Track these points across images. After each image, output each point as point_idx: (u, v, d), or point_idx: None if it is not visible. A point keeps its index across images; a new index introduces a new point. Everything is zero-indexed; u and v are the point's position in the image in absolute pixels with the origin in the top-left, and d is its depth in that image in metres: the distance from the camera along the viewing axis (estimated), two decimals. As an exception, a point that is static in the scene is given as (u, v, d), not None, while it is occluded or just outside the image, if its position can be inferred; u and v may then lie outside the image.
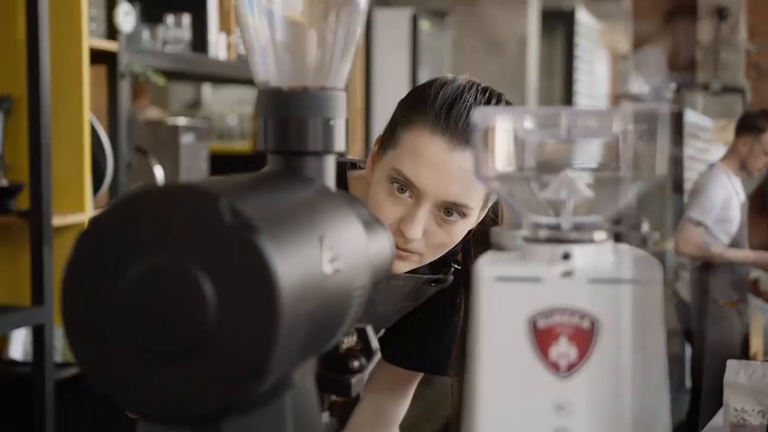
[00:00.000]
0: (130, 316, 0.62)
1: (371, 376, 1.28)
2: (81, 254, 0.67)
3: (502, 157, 0.74)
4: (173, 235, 0.63)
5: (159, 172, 3.04)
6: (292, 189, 0.78)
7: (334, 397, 0.82)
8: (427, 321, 1.48)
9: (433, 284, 1.42)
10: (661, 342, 0.69)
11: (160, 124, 3.28)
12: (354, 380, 0.80)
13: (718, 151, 8.61)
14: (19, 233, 2.53)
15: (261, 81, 0.85)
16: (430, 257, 1.29)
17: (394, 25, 5.12)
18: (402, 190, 1.25)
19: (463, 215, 1.25)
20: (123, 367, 0.63)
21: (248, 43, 0.85)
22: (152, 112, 4.39)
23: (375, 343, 0.83)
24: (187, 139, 3.18)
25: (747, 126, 4.42)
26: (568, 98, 7.71)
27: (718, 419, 2.05)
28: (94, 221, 0.65)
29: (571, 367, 0.67)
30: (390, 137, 1.28)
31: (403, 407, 1.59)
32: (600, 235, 0.71)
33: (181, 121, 3.33)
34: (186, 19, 3.12)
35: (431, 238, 1.26)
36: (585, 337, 0.67)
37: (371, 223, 0.87)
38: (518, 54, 5.63)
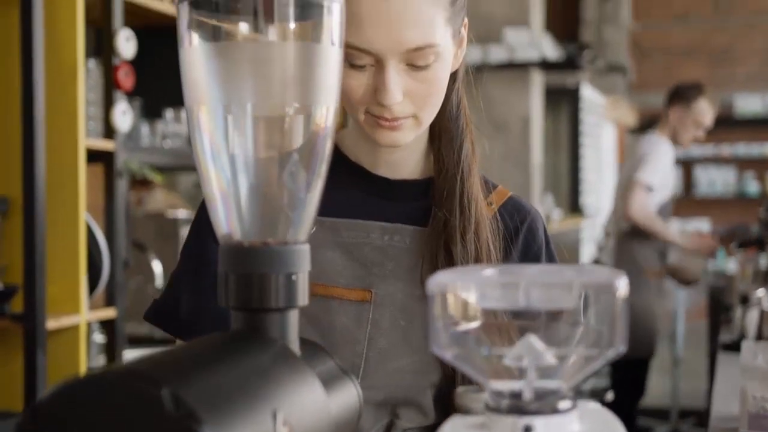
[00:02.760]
0: None
1: None
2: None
3: (459, 324, 0.72)
4: (114, 424, 0.61)
5: (158, 268, 3.03)
6: (248, 357, 0.75)
7: None
8: None
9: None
10: None
11: (160, 217, 3.28)
12: None
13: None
14: (13, 336, 2.51)
15: (223, 235, 0.84)
16: (428, 115, 1.17)
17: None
18: (362, 65, 1.12)
19: (434, 56, 1.13)
20: None
21: (209, 196, 0.84)
22: (159, 196, 4.40)
23: None
24: (187, 232, 3.17)
25: (678, 97, 4.50)
26: (574, 173, 7.72)
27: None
28: (33, 409, 0.63)
29: None
30: None
31: None
32: (564, 404, 0.69)
33: (182, 213, 3.33)
34: (185, 113, 3.14)
35: (415, 95, 1.14)
36: None
37: (336, 376, 0.85)
38: (522, 134, 5.64)
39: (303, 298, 0.82)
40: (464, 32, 1.22)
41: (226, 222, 0.83)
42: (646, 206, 4.29)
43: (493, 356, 0.72)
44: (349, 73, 1.13)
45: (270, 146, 0.82)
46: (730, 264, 7.83)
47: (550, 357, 0.70)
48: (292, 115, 0.81)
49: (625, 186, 4.40)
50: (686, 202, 10.32)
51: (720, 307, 4.63)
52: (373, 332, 1.19)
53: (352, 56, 1.11)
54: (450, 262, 1.18)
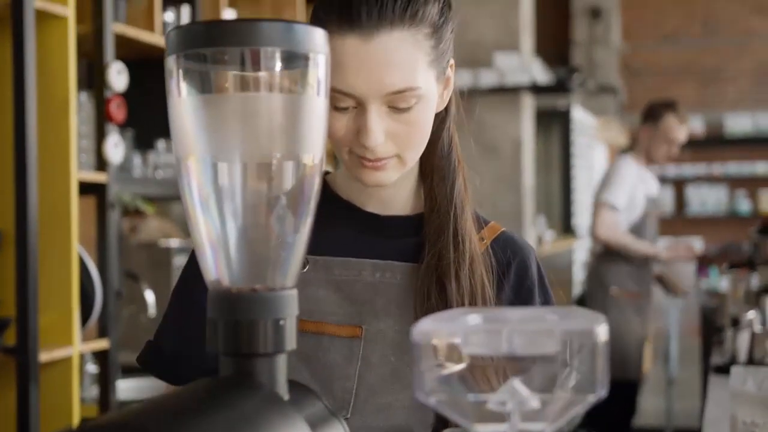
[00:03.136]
0: None
1: None
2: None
3: (444, 370, 0.73)
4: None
5: (150, 297, 3.04)
6: (236, 404, 0.77)
7: None
8: None
9: None
10: None
11: (152, 247, 3.29)
12: None
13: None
14: (6, 370, 2.51)
15: (211, 281, 0.85)
16: (411, 154, 1.18)
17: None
18: (345, 107, 1.14)
19: (416, 99, 1.14)
20: None
21: (197, 243, 0.85)
22: (153, 223, 4.40)
23: None
24: (180, 261, 3.19)
25: (647, 115, 4.55)
26: (566, 194, 7.75)
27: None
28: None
29: None
30: None
31: None
32: (549, 449, 0.70)
33: (174, 242, 3.34)
34: (177, 143, 3.15)
35: (397, 136, 1.15)
36: None
37: (324, 418, 0.86)
38: (514, 157, 5.67)
39: (291, 342, 0.84)
40: (450, 73, 1.23)
41: (215, 268, 0.84)
42: (612, 225, 4.32)
43: (477, 401, 0.73)
44: (332, 114, 1.15)
45: (257, 194, 0.83)
46: (723, 283, 7.86)
47: (534, 401, 0.71)
48: (280, 164, 0.83)
49: (593, 207, 4.47)
50: (678, 221, 10.36)
51: (712, 326, 4.64)
52: (363, 368, 1.21)
53: (335, 99, 1.13)
54: (444, 299, 1.19)
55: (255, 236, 0.84)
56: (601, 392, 0.71)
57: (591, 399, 0.71)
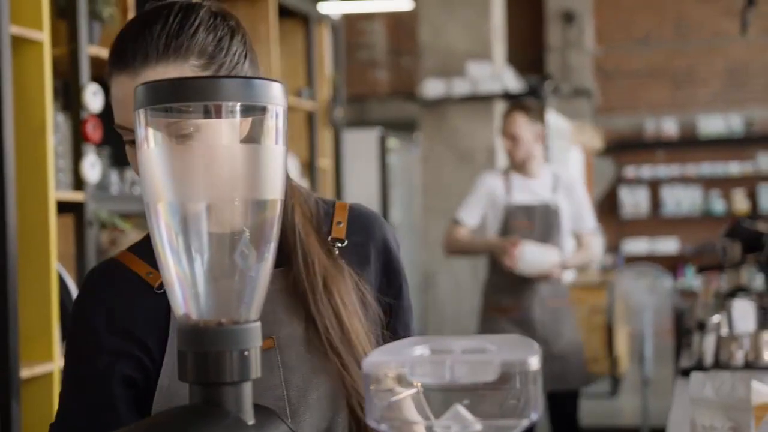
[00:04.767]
0: None
1: None
2: None
3: (392, 398, 0.80)
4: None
5: (129, 312, 3.08)
6: (203, 430, 0.83)
7: None
8: None
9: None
10: None
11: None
12: None
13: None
14: (-13, 387, 2.56)
15: (180, 315, 0.92)
16: None
17: (363, 144, 5.24)
18: (133, 140, 1.19)
19: (193, 128, 1.12)
20: None
21: (167, 280, 0.92)
22: (132, 236, 4.44)
23: None
24: (157, 275, 3.23)
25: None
26: (542, 198, 7.82)
27: None
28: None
29: None
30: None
31: None
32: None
33: (152, 256, 3.38)
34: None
35: None
36: None
37: (290, 440, 0.93)
38: (487, 164, 5.75)
39: (256, 370, 0.90)
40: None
41: (183, 304, 0.91)
42: (449, 235, 4.23)
43: (424, 426, 0.80)
44: (129, 149, 1.25)
45: (221, 235, 0.90)
46: (697, 282, 7.96)
47: (476, 425, 0.78)
48: (243, 206, 0.90)
49: None
50: (654, 222, 10.49)
51: (683, 327, 4.69)
52: (287, 373, 1.28)
53: (124, 134, 1.24)
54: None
55: (220, 273, 0.91)
56: (535, 416, 0.78)
57: (525, 423, 0.78)
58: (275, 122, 0.89)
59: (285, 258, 1.30)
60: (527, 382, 0.78)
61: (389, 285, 1.38)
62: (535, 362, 0.77)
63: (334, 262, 1.31)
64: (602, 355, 7.21)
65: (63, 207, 2.76)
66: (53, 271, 2.62)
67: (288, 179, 1.33)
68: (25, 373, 2.53)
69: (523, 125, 4.17)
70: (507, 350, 0.81)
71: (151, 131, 0.89)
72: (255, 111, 0.88)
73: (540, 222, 4.25)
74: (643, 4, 10.31)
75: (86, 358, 1.29)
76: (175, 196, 0.89)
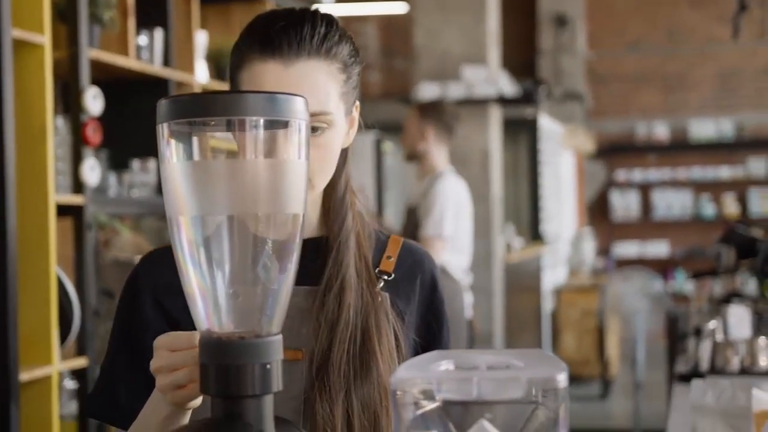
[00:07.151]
0: None
1: None
2: None
3: (418, 412, 0.80)
4: None
5: (127, 315, 3.07)
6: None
7: None
8: None
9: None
10: None
11: (127, 264, 3.33)
12: None
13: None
14: (-14, 390, 2.55)
15: (203, 330, 0.92)
16: (319, 180, 1.25)
17: (358, 149, 5.22)
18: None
19: (328, 124, 1.22)
20: None
21: (189, 294, 0.92)
22: (125, 237, 4.43)
23: None
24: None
25: None
26: (534, 201, 7.84)
27: None
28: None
29: None
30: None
31: None
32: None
33: (149, 259, 3.38)
34: (152, 163, 3.21)
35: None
36: None
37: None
38: (482, 167, 5.76)
39: (277, 383, 0.90)
40: (356, 113, 1.32)
41: (206, 318, 0.91)
42: (438, 256, 4.06)
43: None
44: None
45: (244, 248, 0.90)
46: (688, 286, 7.97)
47: (502, 440, 0.79)
48: (265, 220, 0.90)
49: None
50: (645, 225, 10.50)
51: (677, 331, 4.69)
52: (308, 387, 1.24)
53: None
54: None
55: (242, 286, 0.91)
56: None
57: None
58: (298, 137, 0.89)
59: (321, 276, 1.28)
60: (556, 397, 0.78)
61: (430, 325, 1.37)
62: (563, 379, 0.77)
63: (372, 294, 1.29)
64: (593, 358, 7.24)
65: (62, 210, 2.76)
66: (53, 274, 2.62)
67: (348, 193, 1.32)
68: (25, 376, 2.53)
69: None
70: (533, 366, 0.81)
71: (172, 146, 0.89)
72: (278, 125, 0.89)
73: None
74: (636, 9, 10.33)
75: (127, 331, 1.32)
76: (196, 209, 0.89)
